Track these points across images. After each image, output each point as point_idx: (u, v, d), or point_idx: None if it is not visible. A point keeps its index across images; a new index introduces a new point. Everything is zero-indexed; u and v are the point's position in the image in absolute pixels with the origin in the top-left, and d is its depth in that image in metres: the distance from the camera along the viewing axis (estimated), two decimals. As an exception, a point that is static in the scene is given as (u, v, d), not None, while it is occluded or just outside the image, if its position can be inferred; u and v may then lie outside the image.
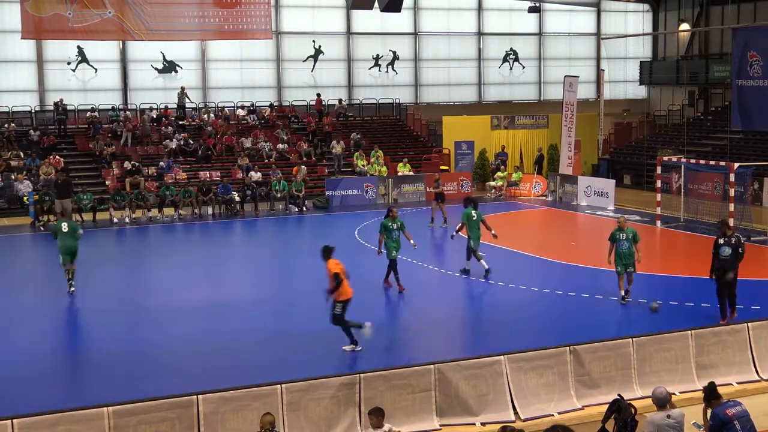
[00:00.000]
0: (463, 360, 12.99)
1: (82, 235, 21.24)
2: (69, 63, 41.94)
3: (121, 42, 41.77)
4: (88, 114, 40.08)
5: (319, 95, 44.02)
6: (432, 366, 12.56)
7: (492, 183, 39.39)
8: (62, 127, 39.11)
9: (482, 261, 22.14)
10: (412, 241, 21.55)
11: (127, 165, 36.20)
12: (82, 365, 15.41)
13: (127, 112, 41.16)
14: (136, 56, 43.21)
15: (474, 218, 22.11)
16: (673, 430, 10.16)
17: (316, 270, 23.65)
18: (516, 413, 12.75)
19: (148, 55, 43.17)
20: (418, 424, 12.32)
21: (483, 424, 12.53)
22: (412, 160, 40.15)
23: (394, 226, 21.10)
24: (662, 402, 10.37)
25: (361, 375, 12.14)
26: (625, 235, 18.99)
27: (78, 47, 41.59)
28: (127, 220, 32.54)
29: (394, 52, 48.03)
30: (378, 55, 47.69)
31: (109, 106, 41.15)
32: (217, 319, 18.70)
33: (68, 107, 39.65)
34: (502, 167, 40.07)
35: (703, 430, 10.84)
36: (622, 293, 19.20)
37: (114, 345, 16.82)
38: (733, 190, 27.63)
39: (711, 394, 10.73)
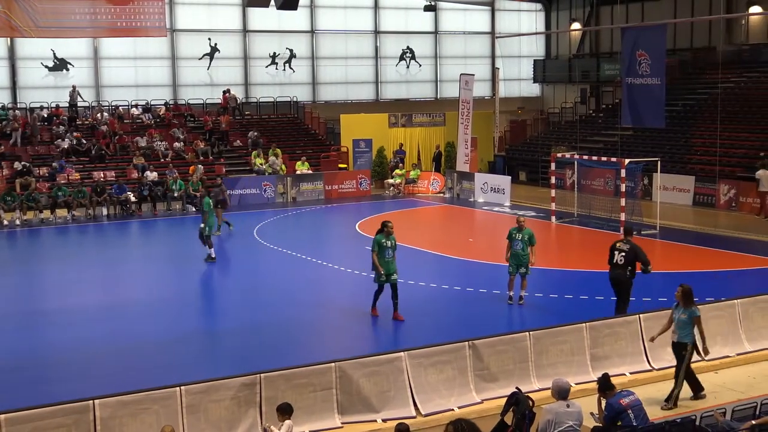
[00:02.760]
0: (363, 357, 13.01)
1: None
2: (-47, 60, 40.62)
3: (8, 39, 40.56)
4: (-25, 113, 38.91)
5: (224, 92, 43.59)
6: (333, 364, 12.53)
7: (390, 181, 39.61)
8: (-53, 126, 37.77)
9: (212, 250, 24.31)
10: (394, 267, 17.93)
11: (18, 165, 35.15)
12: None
13: (17, 111, 39.99)
14: (26, 53, 42.00)
15: (212, 206, 25.10)
16: (571, 419, 10.37)
17: (213, 270, 23.63)
18: (417, 409, 12.83)
19: (38, 53, 41.99)
20: (319, 422, 12.29)
21: (384, 420, 12.57)
22: (310, 158, 40.06)
23: (389, 244, 17.72)
24: (564, 394, 10.56)
25: (262, 375, 12.04)
26: (521, 235, 18.75)
27: (-37, 44, 40.32)
28: (17, 222, 31.64)
29: (291, 50, 47.82)
30: (275, 53, 47.42)
31: (-2, 105, 40.01)
32: (115, 321, 18.35)
33: (-46, 106, 38.38)
34: (400, 165, 40.31)
35: (599, 419, 11.12)
36: (511, 293, 19.04)
37: (7, 350, 16.39)
38: (624, 185, 28.28)
39: (605, 384, 11.03)
